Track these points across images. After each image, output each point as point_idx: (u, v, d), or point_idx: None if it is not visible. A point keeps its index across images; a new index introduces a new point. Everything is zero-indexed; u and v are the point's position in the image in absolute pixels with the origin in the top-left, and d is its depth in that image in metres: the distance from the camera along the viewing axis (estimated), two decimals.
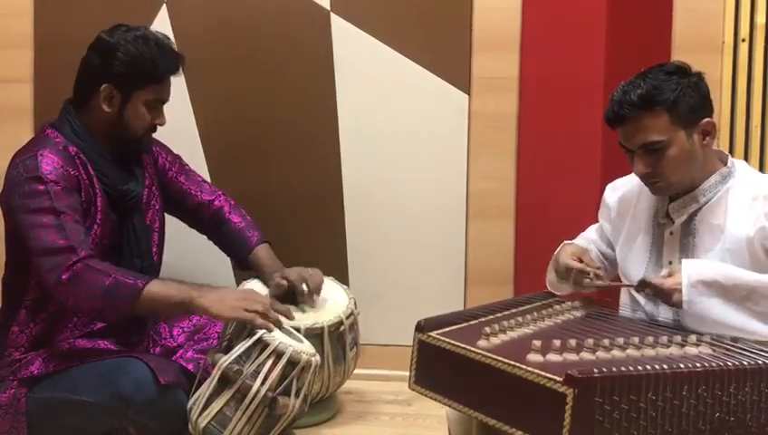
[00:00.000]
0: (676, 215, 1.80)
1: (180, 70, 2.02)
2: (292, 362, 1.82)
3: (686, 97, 1.71)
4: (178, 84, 2.46)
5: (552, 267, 1.94)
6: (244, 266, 2.23)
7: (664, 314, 1.80)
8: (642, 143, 1.72)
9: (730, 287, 1.63)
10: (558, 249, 1.95)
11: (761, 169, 2.39)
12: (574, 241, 2.03)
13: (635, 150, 1.75)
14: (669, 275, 1.69)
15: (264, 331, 1.84)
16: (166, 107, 2.04)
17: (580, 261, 1.86)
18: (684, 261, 1.69)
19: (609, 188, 2.02)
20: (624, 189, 1.96)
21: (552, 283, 1.96)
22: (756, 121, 2.40)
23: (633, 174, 1.90)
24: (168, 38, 2.04)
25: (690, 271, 1.65)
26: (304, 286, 2.12)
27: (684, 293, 1.63)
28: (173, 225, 2.27)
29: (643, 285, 1.73)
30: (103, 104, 1.96)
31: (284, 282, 2.12)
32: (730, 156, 1.83)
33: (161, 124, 2.03)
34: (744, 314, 1.63)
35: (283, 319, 1.95)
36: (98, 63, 1.96)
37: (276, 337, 1.84)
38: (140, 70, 1.94)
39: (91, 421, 1.89)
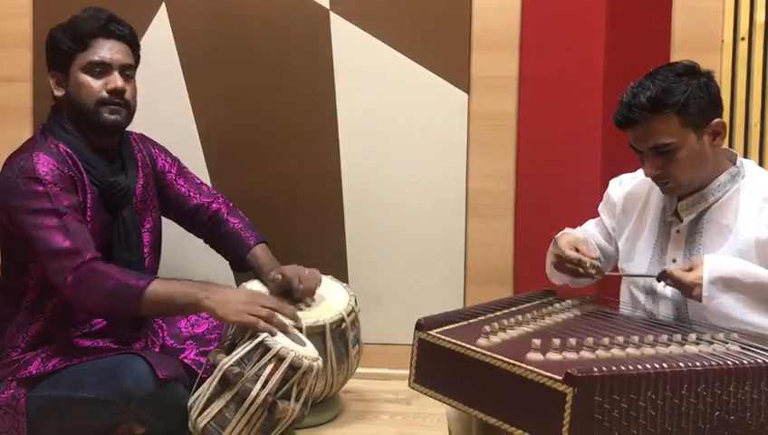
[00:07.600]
0: (686, 213, 1.79)
1: (106, 28, 1.96)
2: (294, 367, 1.81)
3: (696, 99, 1.70)
4: (178, 84, 2.48)
5: (551, 254, 1.91)
6: (242, 267, 2.23)
7: (664, 312, 1.80)
8: (652, 145, 1.72)
9: (749, 286, 1.63)
10: (556, 236, 1.93)
11: (760, 167, 2.38)
12: (572, 231, 2.01)
13: (645, 152, 1.74)
14: (690, 269, 1.68)
15: (266, 334, 1.83)
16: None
17: (577, 250, 1.84)
18: (706, 257, 1.69)
19: (614, 182, 2.01)
20: (631, 186, 1.95)
21: (550, 271, 1.94)
22: (756, 120, 2.39)
23: (640, 170, 1.90)
24: (103, 9, 2.01)
25: (711, 267, 1.65)
26: (300, 285, 2.12)
27: (704, 288, 1.64)
28: (172, 225, 2.27)
29: (664, 277, 1.72)
30: (56, 91, 1.99)
31: (279, 276, 2.12)
32: (738, 155, 1.83)
33: (116, 88, 1.94)
34: (761, 314, 1.64)
35: (287, 321, 1.92)
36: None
37: (278, 341, 1.83)
38: (61, 46, 1.96)
39: (92, 419, 1.89)
